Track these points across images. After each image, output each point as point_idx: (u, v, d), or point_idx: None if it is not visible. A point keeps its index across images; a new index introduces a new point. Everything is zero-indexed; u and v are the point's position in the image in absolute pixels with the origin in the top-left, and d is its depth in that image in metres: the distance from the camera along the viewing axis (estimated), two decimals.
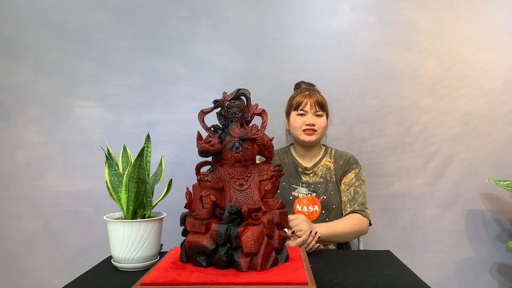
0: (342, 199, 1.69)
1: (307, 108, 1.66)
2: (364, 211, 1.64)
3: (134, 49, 2.07)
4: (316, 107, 1.66)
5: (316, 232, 1.45)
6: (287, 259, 1.14)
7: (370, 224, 1.67)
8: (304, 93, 1.70)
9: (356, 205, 1.64)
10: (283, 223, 1.14)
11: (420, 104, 2.06)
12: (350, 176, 1.70)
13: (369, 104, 2.06)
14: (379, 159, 2.07)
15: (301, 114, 1.67)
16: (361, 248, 1.84)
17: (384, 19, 2.05)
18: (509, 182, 1.90)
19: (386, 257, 1.41)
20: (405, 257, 1.52)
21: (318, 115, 1.67)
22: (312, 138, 1.66)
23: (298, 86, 1.82)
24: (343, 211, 1.68)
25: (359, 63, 2.06)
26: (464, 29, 2.04)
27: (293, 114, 1.70)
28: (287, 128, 1.79)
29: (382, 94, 2.06)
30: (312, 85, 1.83)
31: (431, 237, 2.07)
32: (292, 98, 1.73)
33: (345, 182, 1.70)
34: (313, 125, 1.65)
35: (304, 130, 1.66)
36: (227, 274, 1.03)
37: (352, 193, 1.67)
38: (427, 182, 2.07)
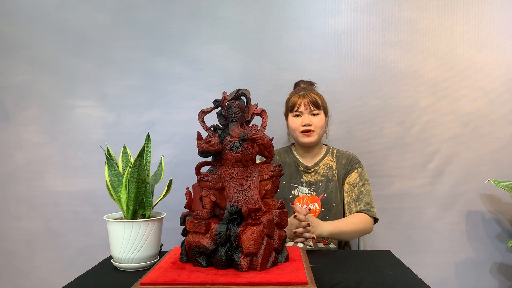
0: (346, 199, 1.69)
1: (302, 108, 1.66)
2: (370, 210, 1.64)
3: (134, 49, 2.07)
4: (311, 106, 1.65)
5: (309, 224, 1.44)
6: (287, 259, 1.14)
7: (377, 220, 1.67)
8: (299, 93, 1.69)
9: (362, 205, 1.64)
10: (283, 223, 1.14)
11: (420, 104, 2.06)
12: (354, 176, 1.70)
13: (369, 104, 2.06)
14: (379, 159, 2.07)
15: (297, 115, 1.67)
16: (361, 248, 1.84)
17: (385, 19, 2.05)
18: (508, 183, 1.90)
19: (386, 257, 1.41)
20: (405, 257, 1.52)
21: (314, 114, 1.66)
22: (311, 139, 1.66)
23: (296, 85, 1.82)
24: (347, 211, 1.68)
25: (359, 63, 2.06)
26: (465, 30, 2.04)
27: (290, 116, 1.70)
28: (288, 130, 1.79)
29: (382, 94, 2.06)
30: (312, 83, 1.82)
31: (431, 237, 2.07)
32: (288, 100, 1.73)
33: (348, 182, 1.70)
34: (310, 125, 1.65)
35: (302, 132, 1.66)
36: (227, 274, 1.04)
37: (356, 193, 1.67)
38: (427, 182, 2.07)
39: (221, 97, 1.19)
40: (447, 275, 2.07)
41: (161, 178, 1.40)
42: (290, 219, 1.45)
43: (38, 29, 2.07)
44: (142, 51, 2.07)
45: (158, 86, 2.08)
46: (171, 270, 1.07)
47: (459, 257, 2.07)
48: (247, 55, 2.07)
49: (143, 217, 1.33)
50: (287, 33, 2.06)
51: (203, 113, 1.18)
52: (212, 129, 1.18)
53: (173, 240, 1.52)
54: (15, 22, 2.07)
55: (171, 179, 1.39)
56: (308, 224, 1.43)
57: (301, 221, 1.44)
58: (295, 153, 1.77)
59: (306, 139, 1.66)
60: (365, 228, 1.61)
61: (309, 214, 1.48)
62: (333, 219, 1.66)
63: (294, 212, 1.49)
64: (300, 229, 1.43)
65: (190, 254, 1.11)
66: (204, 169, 1.17)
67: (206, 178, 1.10)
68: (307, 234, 1.43)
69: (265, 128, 1.18)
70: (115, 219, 1.30)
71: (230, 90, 1.19)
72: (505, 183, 1.90)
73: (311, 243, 1.45)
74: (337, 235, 1.53)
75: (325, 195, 1.67)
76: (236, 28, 2.06)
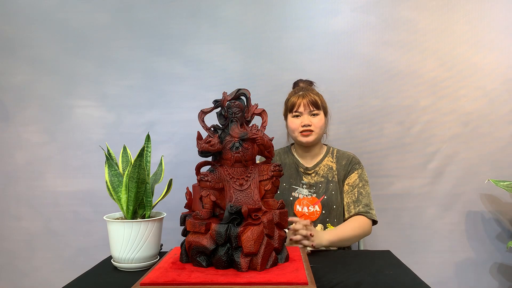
0: (346, 200, 1.68)
1: (301, 109, 1.65)
2: (369, 212, 1.63)
3: (134, 49, 2.07)
4: (310, 106, 1.65)
5: (312, 235, 1.43)
6: (287, 259, 1.14)
7: (376, 222, 1.66)
8: (298, 93, 1.68)
9: (360, 206, 1.64)
10: (283, 223, 1.14)
11: (420, 104, 2.06)
12: (354, 177, 1.69)
13: (369, 104, 2.06)
14: (379, 159, 2.07)
15: (297, 116, 1.67)
16: (361, 248, 1.84)
17: (385, 19, 2.05)
18: (508, 183, 1.90)
19: (386, 257, 1.41)
20: (405, 257, 1.52)
21: (313, 114, 1.66)
22: (310, 139, 1.66)
23: (295, 85, 1.81)
24: (346, 212, 1.68)
25: (359, 63, 2.06)
26: (465, 30, 2.04)
27: (289, 116, 1.69)
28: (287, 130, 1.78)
29: (382, 94, 2.06)
30: (311, 83, 1.81)
31: (431, 237, 2.07)
32: (287, 100, 1.72)
33: (348, 183, 1.69)
34: (309, 125, 1.64)
35: (301, 132, 1.65)
36: (227, 274, 1.03)
37: (356, 194, 1.66)
38: (427, 182, 2.07)
39: (221, 97, 1.19)
40: (447, 275, 2.07)
41: (161, 178, 1.40)
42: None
43: (38, 29, 2.07)
44: (142, 51, 2.07)
45: (158, 86, 2.08)
46: (171, 270, 1.07)
47: (459, 257, 2.07)
48: (247, 55, 2.07)
49: (143, 217, 1.33)
50: (287, 33, 2.06)
51: (203, 113, 1.18)
52: (212, 129, 1.18)
53: (173, 240, 1.51)
54: (15, 22, 2.07)
55: (171, 179, 1.39)
56: (311, 234, 1.42)
57: (296, 230, 1.43)
58: (295, 154, 1.76)
59: (305, 139, 1.66)
60: (364, 232, 1.61)
61: (308, 225, 1.48)
62: (333, 221, 1.66)
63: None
64: (298, 236, 1.41)
65: (190, 254, 1.11)
66: (204, 169, 1.17)
67: (206, 178, 1.10)
68: (306, 242, 1.42)
69: (265, 128, 1.18)
70: (115, 219, 1.30)
71: (230, 90, 1.18)
72: (505, 183, 1.90)
73: (309, 250, 1.44)
74: (337, 243, 1.53)
75: (325, 197, 1.67)
76: (236, 28, 2.06)
